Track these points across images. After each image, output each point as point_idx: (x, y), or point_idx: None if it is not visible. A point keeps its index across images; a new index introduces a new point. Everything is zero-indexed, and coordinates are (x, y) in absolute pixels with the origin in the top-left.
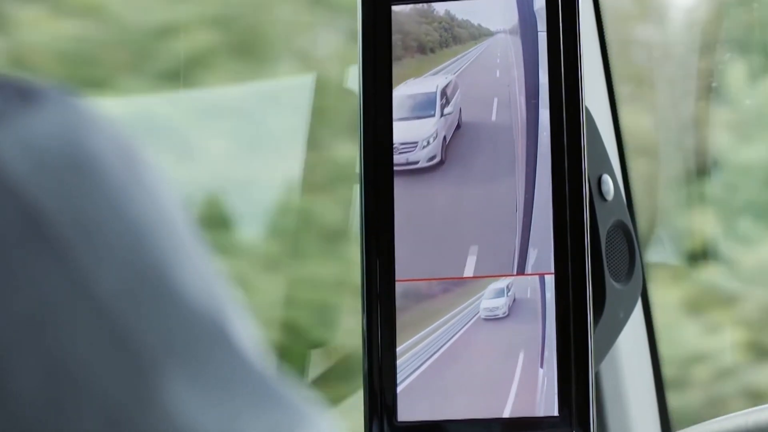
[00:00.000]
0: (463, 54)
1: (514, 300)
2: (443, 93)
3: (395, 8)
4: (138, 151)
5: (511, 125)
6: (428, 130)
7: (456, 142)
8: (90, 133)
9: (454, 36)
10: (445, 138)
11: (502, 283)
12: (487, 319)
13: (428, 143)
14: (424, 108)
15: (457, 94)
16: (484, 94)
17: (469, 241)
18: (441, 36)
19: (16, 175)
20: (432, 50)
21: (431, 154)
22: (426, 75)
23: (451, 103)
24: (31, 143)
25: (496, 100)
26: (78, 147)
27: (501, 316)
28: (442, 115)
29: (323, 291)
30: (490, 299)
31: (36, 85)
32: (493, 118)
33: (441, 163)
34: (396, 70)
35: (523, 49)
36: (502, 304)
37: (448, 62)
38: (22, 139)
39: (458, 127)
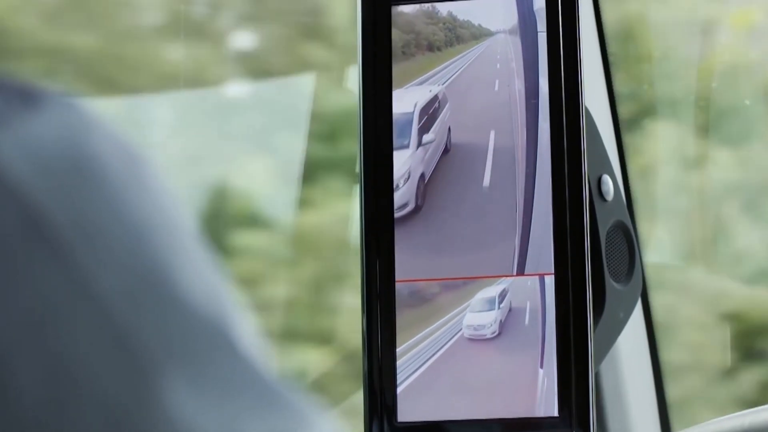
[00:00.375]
0: (465, 53)
1: (510, 310)
2: (423, 112)
3: (402, 8)
4: (139, 152)
5: (511, 127)
6: (398, 169)
7: (439, 178)
8: (91, 134)
9: (457, 36)
10: (422, 176)
11: (493, 290)
12: (472, 339)
13: (397, 186)
14: (396, 135)
15: (445, 110)
16: (482, 100)
17: (469, 241)
18: (446, 36)
19: (17, 177)
20: (439, 49)
21: (402, 201)
22: (408, 85)
23: (433, 127)
24: (33, 145)
25: (495, 104)
26: (79, 149)
27: (489, 336)
28: (419, 144)
29: None
30: (476, 313)
31: (37, 87)
32: (492, 125)
33: (416, 210)
34: (405, 67)
35: (522, 49)
36: (490, 321)
37: (449, 62)
38: (24, 141)
39: (446, 151)
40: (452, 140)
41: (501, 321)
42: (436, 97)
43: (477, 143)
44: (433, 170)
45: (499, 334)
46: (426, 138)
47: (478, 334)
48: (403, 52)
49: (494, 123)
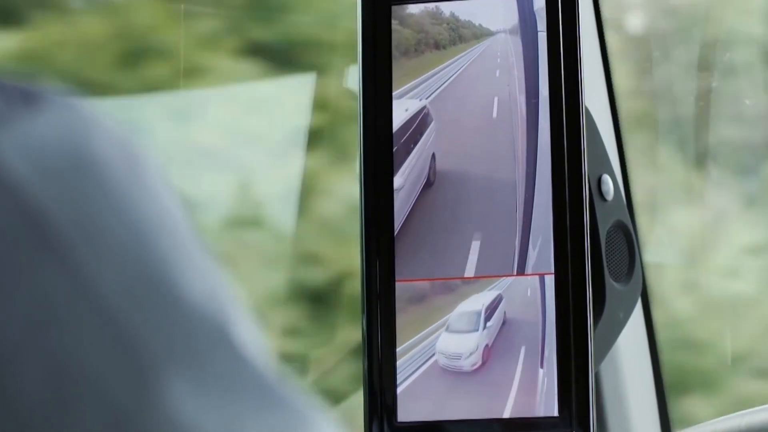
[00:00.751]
0: (467, 51)
1: (504, 323)
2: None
3: (409, 9)
4: (140, 153)
5: (511, 127)
6: None
7: (412, 229)
8: (92, 135)
9: (459, 36)
10: None
11: (478, 301)
12: (447, 370)
13: None
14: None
15: (428, 131)
16: (479, 104)
17: (470, 241)
18: (450, 35)
19: (18, 178)
20: (444, 47)
21: None
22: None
23: (405, 164)
24: (34, 146)
25: (496, 102)
26: (80, 149)
27: (468, 369)
28: None
29: None
30: (453, 334)
31: (39, 88)
32: (491, 134)
33: None
34: (418, 62)
35: (523, 49)
36: (469, 348)
37: (454, 59)
38: (25, 141)
39: (428, 185)
40: (437, 168)
41: (487, 346)
42: (415, 117)
43: (470, 169)
44: (405, 219)
45: (483, 364)
46: (395, 184)
47: (454, 365)
48: (416, 50)
49: (493, 131)
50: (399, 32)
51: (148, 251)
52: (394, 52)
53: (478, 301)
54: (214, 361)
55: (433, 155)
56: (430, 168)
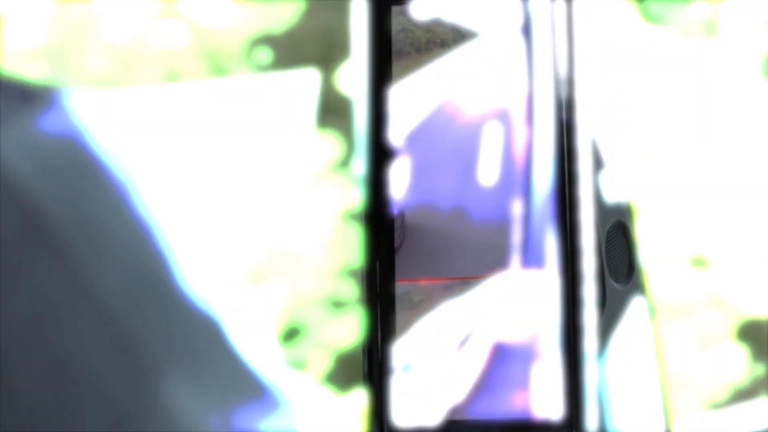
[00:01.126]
0: (467, 51)
1: (495, 350)
2: None
3: (412, 8)
4: (141, 152)
5: (510, 128)
6: None
7: (414, 229)
8: (92, 134)
9: (462, 35)
10: None
11: (452, 334)
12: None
13: None
14: None
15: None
16: (472, 119)
17: (470, 242)
18: (453, 35)
19: (18, 178)
20: (449, 45)
21: None
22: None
23: None
24: (34, 146)
25: (493, 101)
26: (80, 149)
27: None
28: None
29: None
30: (409, 383)
31: (39, 87)
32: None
33: None
34: (427, 58)
35: (522, 49)
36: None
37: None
38: (25, 141)
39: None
40: (407, 225)
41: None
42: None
43: (452, 221)
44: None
45: None
46: None
47: None
48: (426, 48)
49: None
50: (413, 32)
51: (146, 251)
52: (409, 50)
53: (454, 332)
54: (213, 360)
55: (401, 212)
56: (397, 228)
